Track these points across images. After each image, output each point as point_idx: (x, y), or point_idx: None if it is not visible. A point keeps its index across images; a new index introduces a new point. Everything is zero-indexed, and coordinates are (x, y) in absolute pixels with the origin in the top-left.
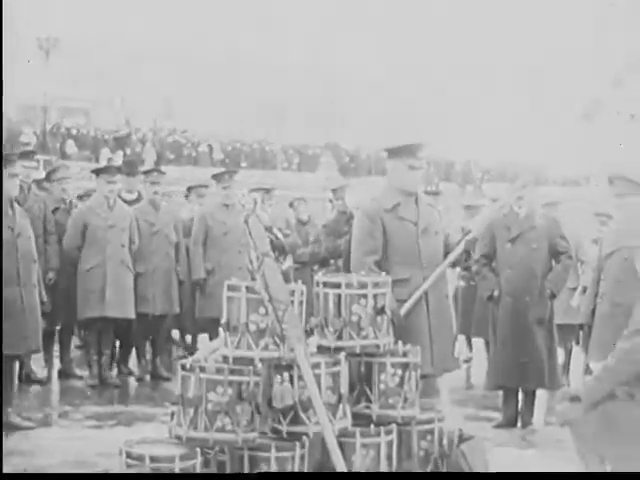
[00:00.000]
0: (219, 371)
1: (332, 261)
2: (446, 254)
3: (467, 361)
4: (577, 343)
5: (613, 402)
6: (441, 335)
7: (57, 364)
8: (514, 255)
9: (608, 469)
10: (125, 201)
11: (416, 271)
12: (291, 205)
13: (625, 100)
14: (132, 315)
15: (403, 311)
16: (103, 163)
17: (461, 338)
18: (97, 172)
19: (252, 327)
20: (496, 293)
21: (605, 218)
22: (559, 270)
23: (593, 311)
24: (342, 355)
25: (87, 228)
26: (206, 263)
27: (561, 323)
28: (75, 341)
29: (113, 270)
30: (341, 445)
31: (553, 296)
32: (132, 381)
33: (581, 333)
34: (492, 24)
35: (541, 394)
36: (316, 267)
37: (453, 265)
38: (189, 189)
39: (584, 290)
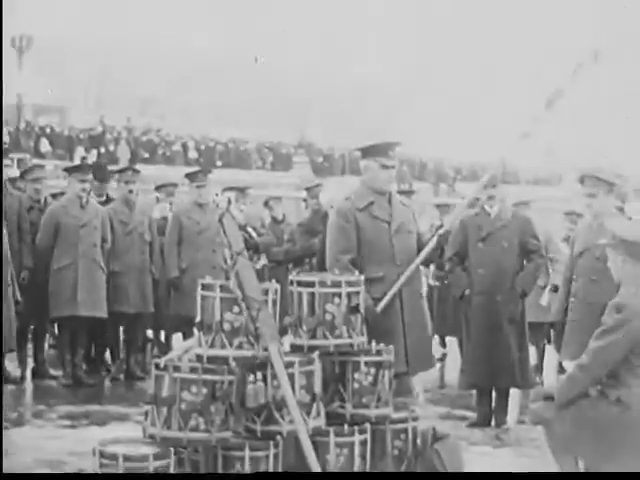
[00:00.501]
0: (193, 370)
1: (307, 260)
2: (420, 252)
3: (441, 360)
4: (548, 342)
5: (586, 401)
6: (415, 333)
7: (31, 363)
8: (485, 254)
9: (581, 467)
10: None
11: (390, 269)
12: (266, 204)
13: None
14: (104, 314)
15: (379, 308)
16: (77, 162)
17: (435, 337)
18: (69, 171)
19: (226, 326)
20: (467, 292)
21: (575, 217)
22: (530, 269)
23: (565, 310)
24: (316, 354)
25: (59, 227)
26: (180, 262)
27: (532, 321)
28: (49, 340)
29: (85, 269)
30: (315, 444)
31: (524, 295)
32: (106, 380)
33: (552, 332)
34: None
35: (514, 393)
36: (291, 266)
37: (427, 262)
38: (157, 188)
39: (554, 288)
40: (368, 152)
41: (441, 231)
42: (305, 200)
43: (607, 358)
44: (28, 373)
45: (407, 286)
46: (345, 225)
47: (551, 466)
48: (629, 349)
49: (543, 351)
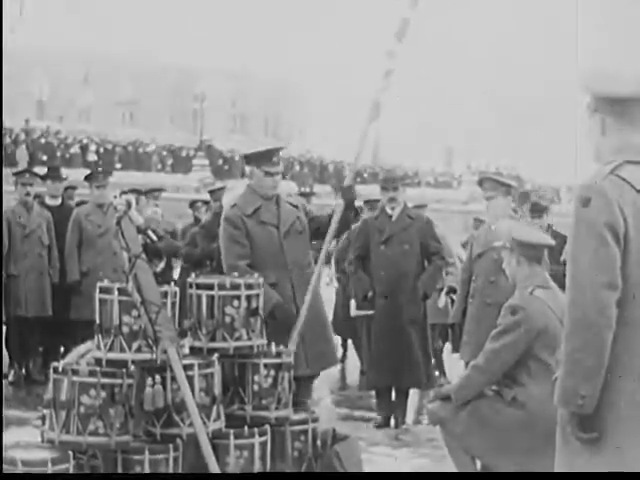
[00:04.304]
0: (92, 374)
1: (207, 262)
2: (317, 228)
3: (341, 361)
4: (443, 343)
5: (482, 401)
6: (315, 333)
7: None
8: (387, 256)
9: (478, 467)
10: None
11: (282, 274)
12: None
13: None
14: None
15: (304, 309)
16: None
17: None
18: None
19: (125, 329)
20: (370, 294)
21: (479, 223)
22: (431, 271)
23: (463, 311)
24: (215, 357)
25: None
26: (81, 265)
27: (429, 323)
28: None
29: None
30: (215, 447)
31: (425, 297)
32: (5, 385)
33: (450, 333)
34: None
35: (412, 393)
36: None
37: (343, 227)
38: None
39: (450, 290)
40: (251, 159)
41: (344, 185)
42: (207, 202)
43: (503, 359)
44: None
45: (303, 286)
46: (235, 232)
47: (450, 466)
48: (524, 350)
49: (441, 351)
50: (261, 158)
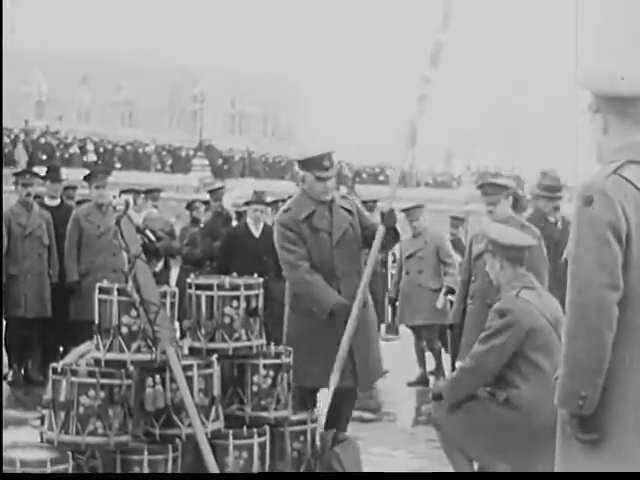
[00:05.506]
0: (91, 374)
1: (207, 262)
2: (369, 236)
3: None
4: (443, 344)
5: (475, 403)
6: (363, 347)
7: None
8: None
9: (475, 468)
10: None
11: (330, 283)
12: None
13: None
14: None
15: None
16: None
17: None
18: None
19: (124, 330)
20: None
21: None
22: None
23: (463, 311)
24: (214, 357)
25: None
26: (80, 265)
27: (427, 324)
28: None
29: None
30: (214, 447)
31: None
32: (4, 385)
33: (449, 334)
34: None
35: (410, 393)
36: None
37: (385, 248)
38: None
39: (448, 291)
40: (303, 164)
41: (384, 210)
42: (206, 202)
43: (490, 361)
44: None
45: (349, 295)
46: (293, 235)
47: (448, 466)
48: (514, 352)
49: (439, 354)
50: (311, 163)
